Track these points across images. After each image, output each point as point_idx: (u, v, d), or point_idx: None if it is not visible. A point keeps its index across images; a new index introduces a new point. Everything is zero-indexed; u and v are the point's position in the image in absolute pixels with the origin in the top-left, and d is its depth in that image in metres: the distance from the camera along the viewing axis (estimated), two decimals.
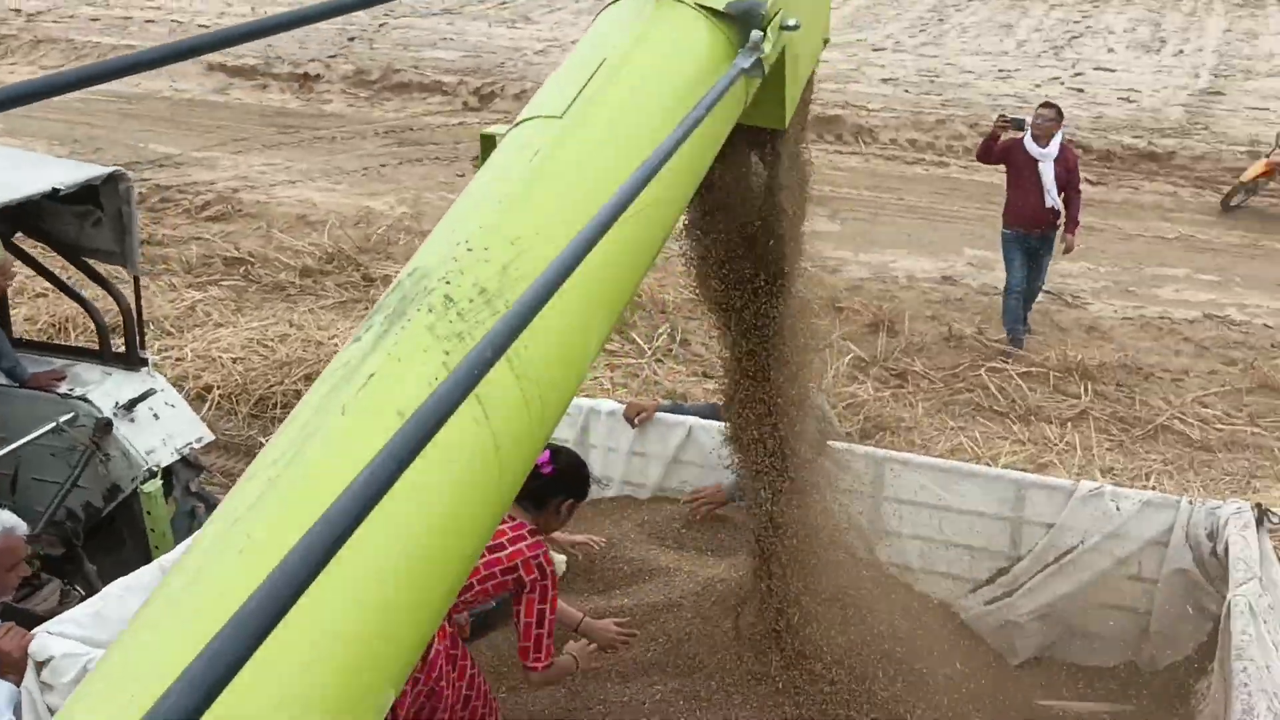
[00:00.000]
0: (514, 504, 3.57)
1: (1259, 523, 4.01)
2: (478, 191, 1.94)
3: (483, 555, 3.40)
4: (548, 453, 3.66)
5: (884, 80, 15.78)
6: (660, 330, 8.81)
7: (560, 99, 1.99)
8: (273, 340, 8.59)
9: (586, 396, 5.31)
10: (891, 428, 7.49)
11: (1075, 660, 4.47)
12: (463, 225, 1.86)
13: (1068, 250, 8.82)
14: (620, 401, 5.12)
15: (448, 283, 1.74)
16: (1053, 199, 8.41)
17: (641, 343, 8.67)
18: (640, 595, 4.19)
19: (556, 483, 3.62)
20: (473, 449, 1.62)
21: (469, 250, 1.79)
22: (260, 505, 1.47)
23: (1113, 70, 16.45)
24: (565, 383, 1.83)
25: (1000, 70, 16.41)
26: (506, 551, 3.43)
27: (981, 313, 9.48)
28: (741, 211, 3.11)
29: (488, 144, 2.08)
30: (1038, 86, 15.36)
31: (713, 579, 4.13)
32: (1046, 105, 8.82)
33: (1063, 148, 8.52)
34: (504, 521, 3.49)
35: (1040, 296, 9.22)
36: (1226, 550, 3.93)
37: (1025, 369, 8.37)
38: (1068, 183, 8.48)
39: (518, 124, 2.03)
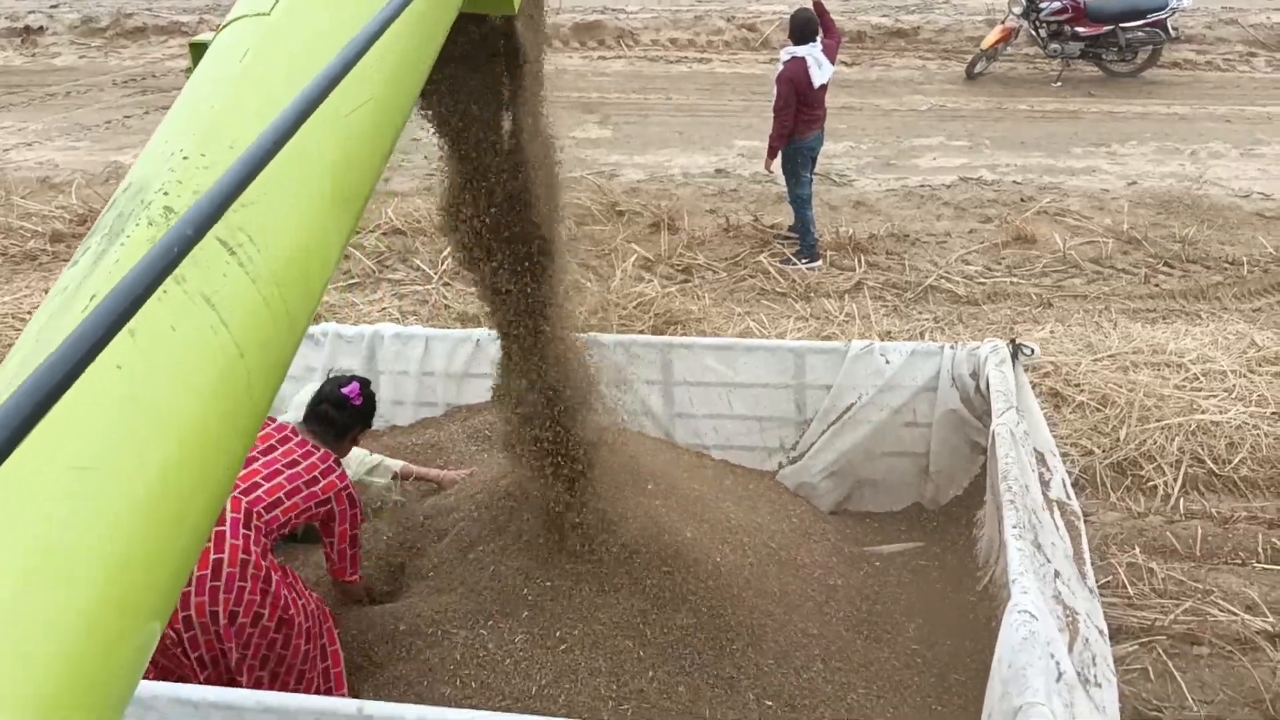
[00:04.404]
0: (311, 434, 3.56)
1: (1014, 357, 4.30)
2: (190, 98, 1.86)
3: (300, 490, 3.40)
4: (356, 385, 3.68)
5: None
6: (444, 254, 8.69)
7: None
8: (29, 313, 8.05)
9: (368, 323, 5.21)
10: (682, 320, 7.64)
11: (868, 509, 4.75)
12: (177, 134, 1.78)
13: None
14: (408, 327, 5.08)
15: (166, 194, 1.67)
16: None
17: (426, 268, 8.54)
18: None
19: (361, 414, 3.72)
20: (215, 357, 1.58)
21: (185, 159, 1.72)
22: None
23: None
24: (307, 284, 1.80)
25: None
26: (320, 485, 3.47)
27: (756, 201, 9.72)
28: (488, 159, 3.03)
29: (197, 52, 1.99)
30: None
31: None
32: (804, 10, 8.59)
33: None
34: (310, 453, 3.49)
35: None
36: (988, 386, 4.21)
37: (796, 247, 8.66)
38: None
39: (225, 25, 1.94)
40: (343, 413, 3.67)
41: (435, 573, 3.83)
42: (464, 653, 3.49)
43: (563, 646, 3.48)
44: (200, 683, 3.27)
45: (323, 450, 3.56)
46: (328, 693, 3.39)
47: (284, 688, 3.32)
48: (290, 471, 3.43)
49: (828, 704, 3.40)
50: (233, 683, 3.20)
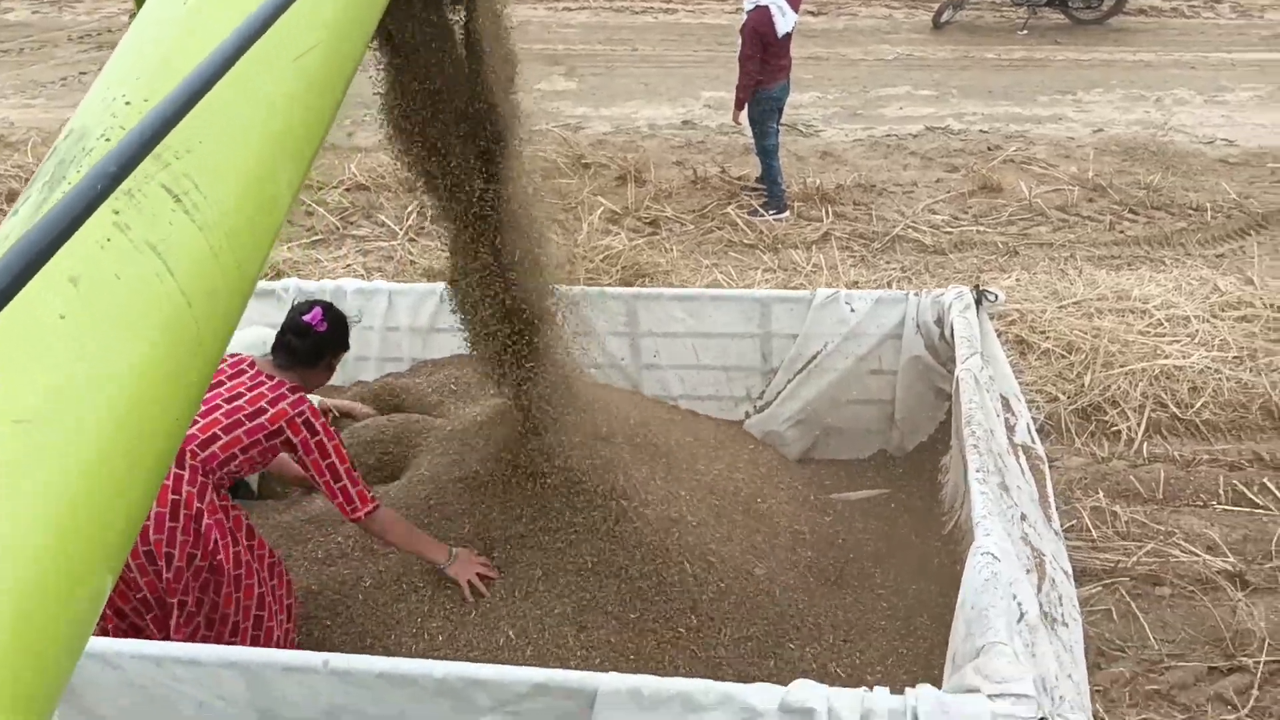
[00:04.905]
0: (278, 368, 3.46)
1: (978, 303, 4.31)
2: (133, 42, 1.81)
3: (241, 424, 3.28)
4: (319, 310, 3.54)
5: None
6: (409, 209, 8.61)
7: None
8: None
9: (331, 278, 5.17)
10: (649, 273, 7.62)
11: (834, 456, 4.77)
12: (119, 79, 1.74)
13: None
14: (372, 281, 5.04)
15: (108, 140, 1.63)
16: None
17: (392, 224, 8.47)
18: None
19: (328, 337, 3.55)
20: (161, 306, 1.55)
21: (128, 104, 1.69)
22: None
23: None
24: (257, 233, 1.77)
25: None
26: (268, 414, 3.30)
27: (723, 152, 9.68)
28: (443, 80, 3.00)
29: None
30: None
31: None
32: None
33: None
34: (261, 383, 3.37)
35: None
36: (952, 332, 4.23)
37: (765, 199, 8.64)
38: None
39: None
40: (306, 340, 3.49)
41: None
42: (430, 606, 3.49)
43: (530, 599, 3.49)
44: (148, 624, 3.24)
45: (276, 380, 3.37)
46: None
47: (218, 638, 3.25)
48: (230, 406, 3.29)
49: (795, 648, 3.43)
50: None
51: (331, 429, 3.39)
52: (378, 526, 3.40)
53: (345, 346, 3.68)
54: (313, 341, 3.49)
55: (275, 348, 3.54)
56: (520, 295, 3.42)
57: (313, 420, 3.33)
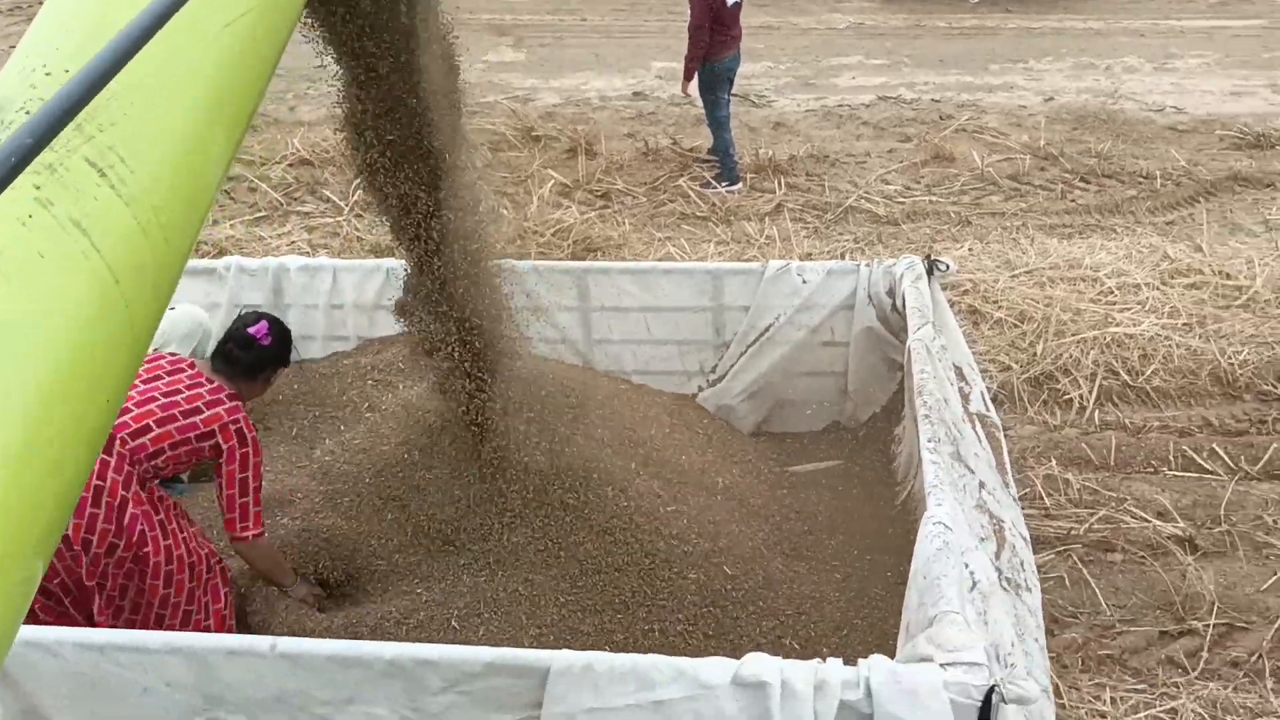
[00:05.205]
0: (216, 371, 3.46)
1: (929, 272, 4.34)
2: (53, 10, 1.77)
3: (175, 419, 3.27)
4: (264, 324, 3.57)
5: None
6: (355, 184, 8.51)
7: None
8: None
9: (274, 256, 5.10)
10: (601, 247, 7.60)
11: (788, 429, 4.79)
12: (39, 49, 1.70)
13: None
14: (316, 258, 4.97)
15: (27, 113, 1.59)
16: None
17: (337, 199, 8.37)
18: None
19: (272, 353, 3.59)
20: (88, 284, 1.52)
21: (48, 75, 1.64)
22: None
23: None
24: (186, 207, 1.73)
25: None
26: (203, 415, 3.31)
27: (675, 123, 9.65)
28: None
29: None
30: None
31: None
32: None
33: None
34: (200, 384, 3.37)
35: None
36: (904, 303, 4.25)
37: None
38: None
39: None
40: (249, 352, 3.52)
41: (352, 507, 3.78)
42: (380, 584, 3.47)
43: (482, 576, 3.48)
44: (68, 609, 3.21)
45: (216, 384, 3.40)
46: None
47: (143, 625, 3.25)
48: (166, 400, 3.29)
49: (749, 622, 3.45)
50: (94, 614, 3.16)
51: (259, 444, 3.43)
52: (256, 553, 3.47)
53: (286, 363, 3.73)
54: (256, 355, 3.52)
55: (216, 354, 3.55)
56: (470, 310, 3.43)
57: (245, 431, 3.37)
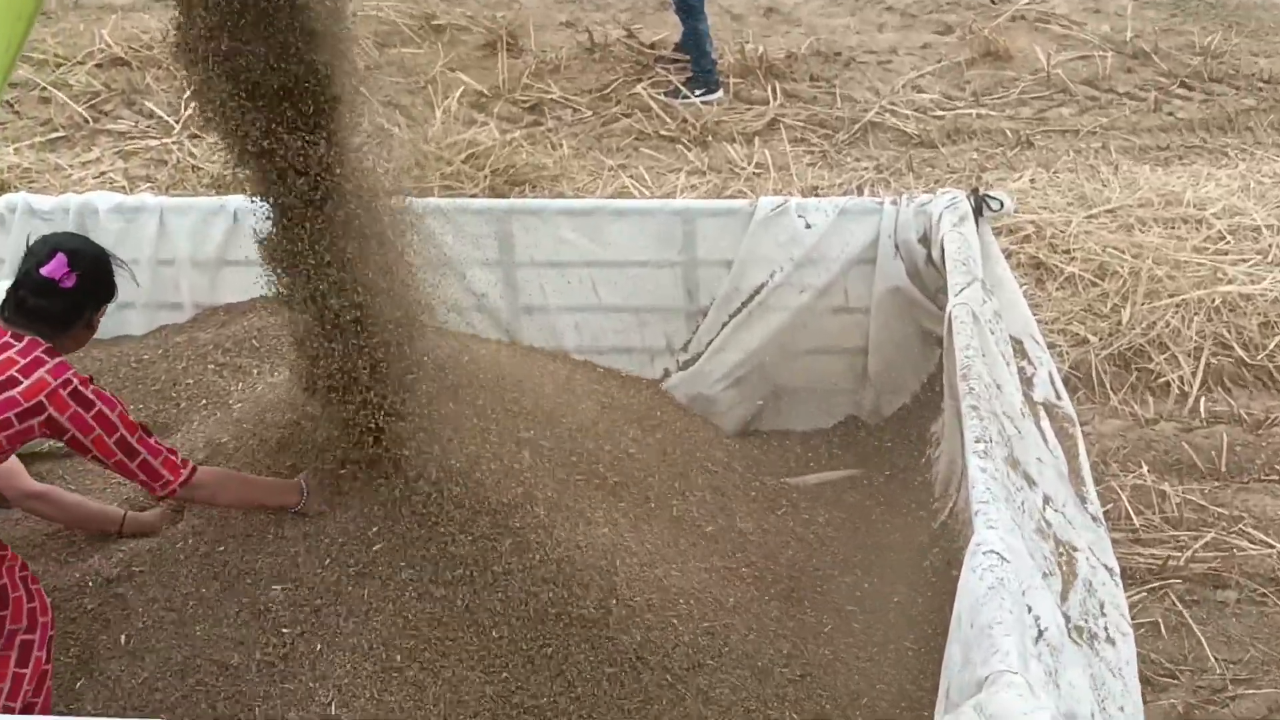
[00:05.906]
0: (13, 325, 3.42)
1: (977, 213, 4.35)
2: None
3: None
4: (61, 258, 3.48)
5: None
6: (188, 93, 8.44)
7: None
8: None
9: (76, 192, 5.06)
10: (531, 179, 7.60)
11: (787, 427, 4.81)
12: None
13: None
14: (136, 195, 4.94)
15: None
16: None
17: (163, 113, 8.31)
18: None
19: (82, 294, 3.51)
20: None
21: None
22: None
23: None
24: None
25: None
26: (23, 387, 3.27)
27: (629, 9, 9.64)
28: None
29: None
30: None
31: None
32: None
33: None
34: (10, 347, 3.34)
35: None
36: (943, 254, 4.26)
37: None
38: None
39: None
40: (52, 300, 3.48)
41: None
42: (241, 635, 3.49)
43: (364, 636, 3.48)
44: None
45: (27, 341, 3.37)
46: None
47: None
48: None
49: (728, 693, 3.45)
50: None
51: (107, 394, 3.41)
52: (204, 493, 3.56)
53: (109, 296, 3.64)
54: (62, 302, 3.44)
55: (7, 305, 3.49)
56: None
57: (82, 390, 3.35)
